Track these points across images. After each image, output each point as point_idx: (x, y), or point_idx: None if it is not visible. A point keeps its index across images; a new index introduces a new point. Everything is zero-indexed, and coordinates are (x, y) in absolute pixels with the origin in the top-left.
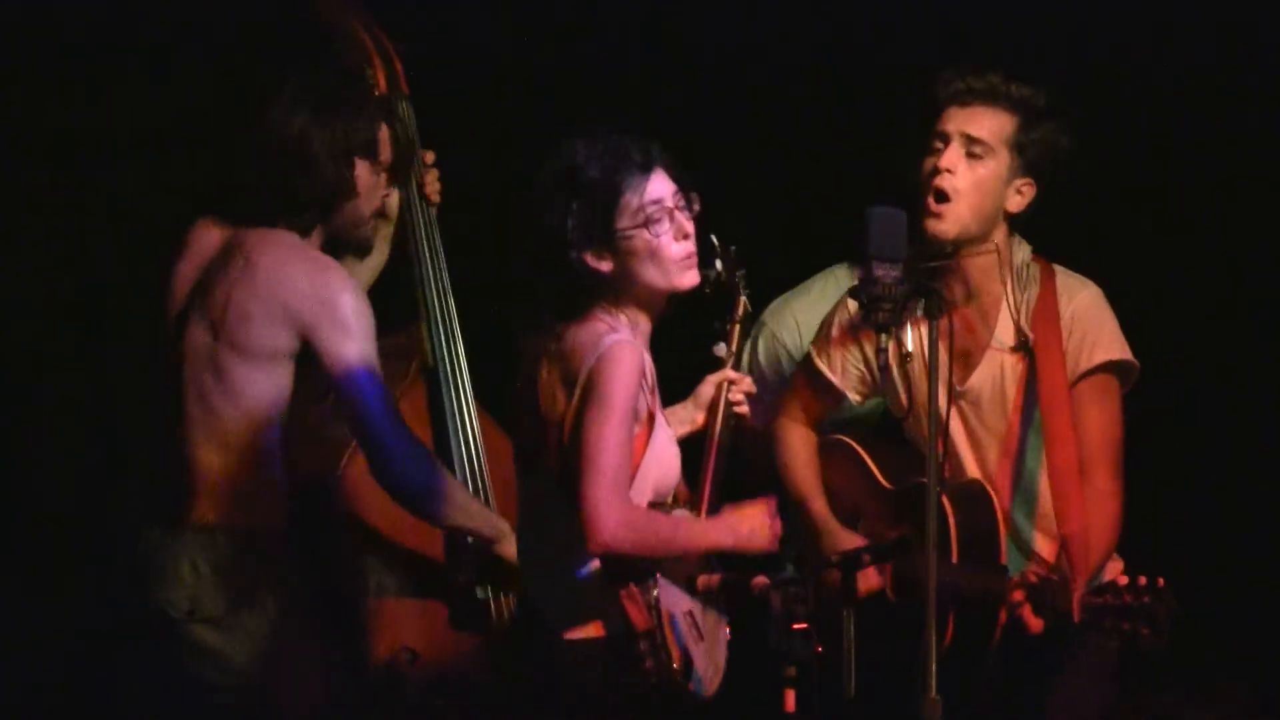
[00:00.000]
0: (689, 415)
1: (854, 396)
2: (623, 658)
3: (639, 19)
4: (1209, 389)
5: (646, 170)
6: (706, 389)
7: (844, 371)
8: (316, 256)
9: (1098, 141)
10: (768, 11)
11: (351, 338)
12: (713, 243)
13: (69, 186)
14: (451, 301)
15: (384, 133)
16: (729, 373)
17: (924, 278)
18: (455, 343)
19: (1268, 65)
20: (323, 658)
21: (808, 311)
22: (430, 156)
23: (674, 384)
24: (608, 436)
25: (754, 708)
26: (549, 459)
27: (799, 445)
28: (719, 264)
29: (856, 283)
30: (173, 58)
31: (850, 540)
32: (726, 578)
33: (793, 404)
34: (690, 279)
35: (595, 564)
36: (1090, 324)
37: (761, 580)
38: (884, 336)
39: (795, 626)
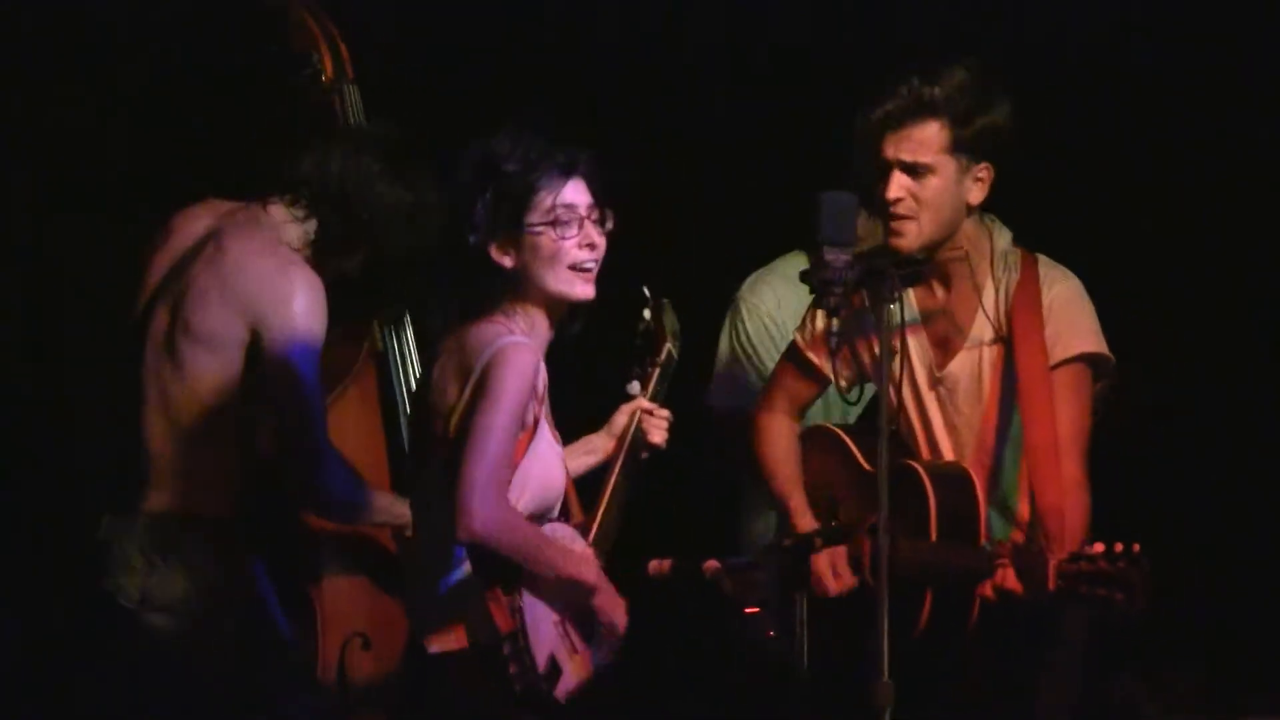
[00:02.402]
0: (602, 444)
1: (840, 382)
2: (489, 668)
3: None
4: (1188, 386)
5: (566, 174)
6: (620, 418)
7: (827, 355)
8: (285, 252)
9: (1094, 140)
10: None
11: (298, 338)
12: (644, 293)
13: (33, 178)
14: None
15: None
16: (642, 402)
17: (903, 277)
18: (404, 329)
19: (1266, 63)
20: (276, 643)
21: (781, 286)
22: None
23: (593, 421)
24: (492, 431)
25: (703, 692)
26: (436, 451)
27: (779, 436)
28: (647, 313)
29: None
30: (118, 46)
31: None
32: (677, 563)
33: (775, 395)
34: (584, 291)
35: (466, 568)
36: (1069, 314)
37: (713, 565)
38: (835, 320)
39: (747, 611)
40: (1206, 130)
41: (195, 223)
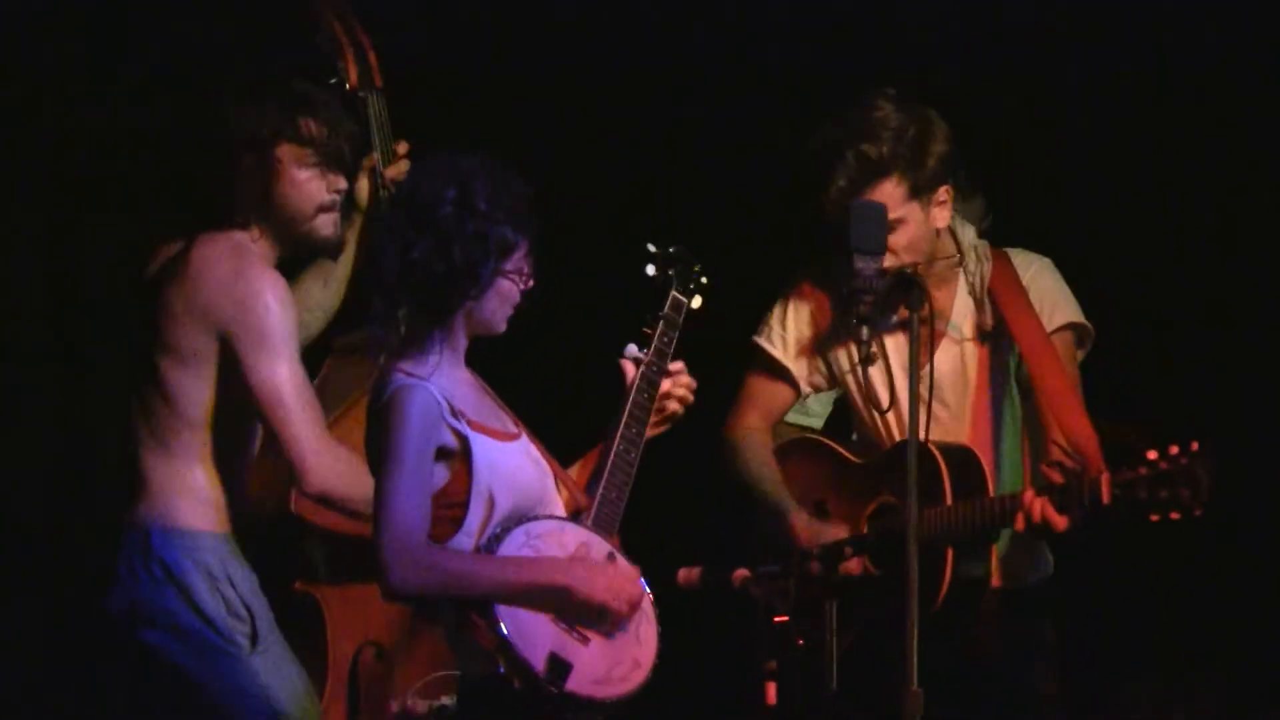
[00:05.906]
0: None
1: (806, 387)
2: (499, 689)
3: (618, 17)
4: (1199, 385)
5: (531, 229)
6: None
7: (797, 358)
8: (246, 257)
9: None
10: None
11: (268, 343)
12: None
13: (48, 188)
14: None
15: (306, 123)
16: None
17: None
18: None
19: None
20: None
21: None
22: (404, 147)
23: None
24: (393, 485)
25: (735, 701)
26: None
27: (756, 445)
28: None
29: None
30: (146, 53)
31: (830, 529)
32: (707, 572)
33: (745, 407)
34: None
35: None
36: (1048, 289)
37: (742, 574)
38: (866, 329)
39: (776, 620)
40: (1202, 132)
41: (171, 246)
